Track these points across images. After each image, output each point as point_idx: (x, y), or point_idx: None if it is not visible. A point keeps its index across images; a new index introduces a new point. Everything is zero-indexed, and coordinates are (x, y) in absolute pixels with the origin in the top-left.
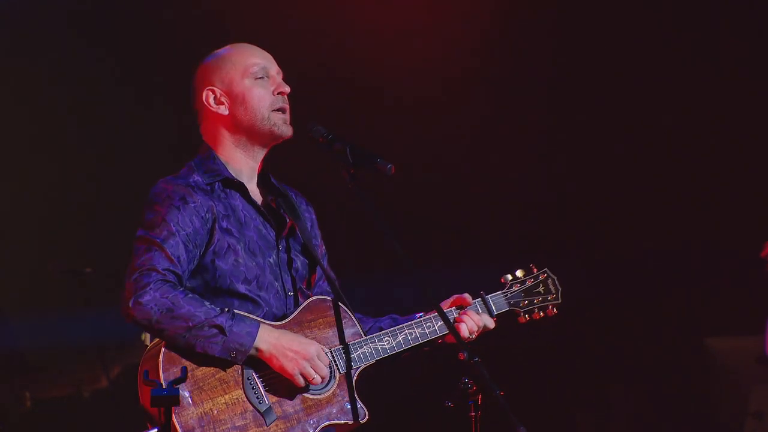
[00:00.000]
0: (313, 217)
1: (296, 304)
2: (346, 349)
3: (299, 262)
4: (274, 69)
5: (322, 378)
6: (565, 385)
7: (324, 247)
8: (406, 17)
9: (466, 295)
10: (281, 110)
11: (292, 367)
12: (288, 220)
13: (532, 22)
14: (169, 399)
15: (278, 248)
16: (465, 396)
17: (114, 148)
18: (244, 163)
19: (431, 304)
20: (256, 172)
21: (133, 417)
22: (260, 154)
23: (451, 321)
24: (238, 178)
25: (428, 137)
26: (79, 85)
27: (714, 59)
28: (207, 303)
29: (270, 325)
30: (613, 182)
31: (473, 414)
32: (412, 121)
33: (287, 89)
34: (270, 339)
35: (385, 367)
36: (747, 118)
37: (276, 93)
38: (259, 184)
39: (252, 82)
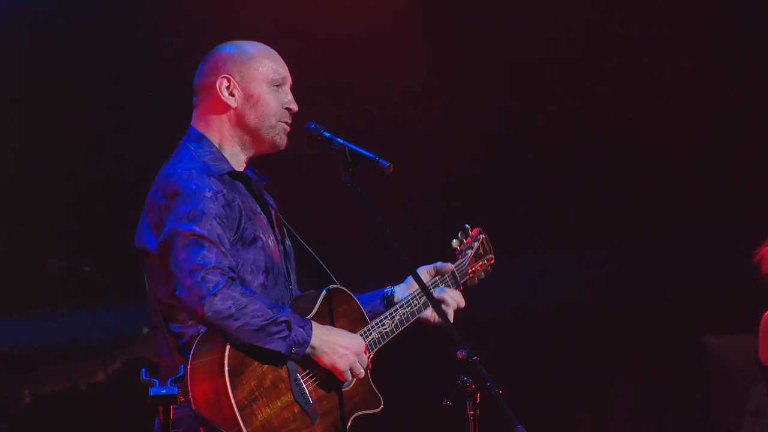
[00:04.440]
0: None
1: (292, 295)
2: (362, 338)
3: (292, 251)
4: (289, 83)
5: (365, 372)
6: (565, 385)
7: None
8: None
9: (449, 264)
10: (286, 123)
11: (343, 363)
12: (272, 209)
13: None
14: (168, 398)
15: (277, 238)
16: (463, 394)
17: (114, 145)
18: (235, 155)
19: (432, 302)
20: (244, 165)
21: (131, 413)
22: (253, 154)
23: (435, 298)
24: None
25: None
26: (78, 79)
27: (705, 59)
28: (267, 299)
29: (314, 320)
30: (614, 182)
31: (471, 412)
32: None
33: (296, 108)
34: (321, 335)
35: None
36: (748, 117)
37: (285, 107)
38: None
39: (269, 89)
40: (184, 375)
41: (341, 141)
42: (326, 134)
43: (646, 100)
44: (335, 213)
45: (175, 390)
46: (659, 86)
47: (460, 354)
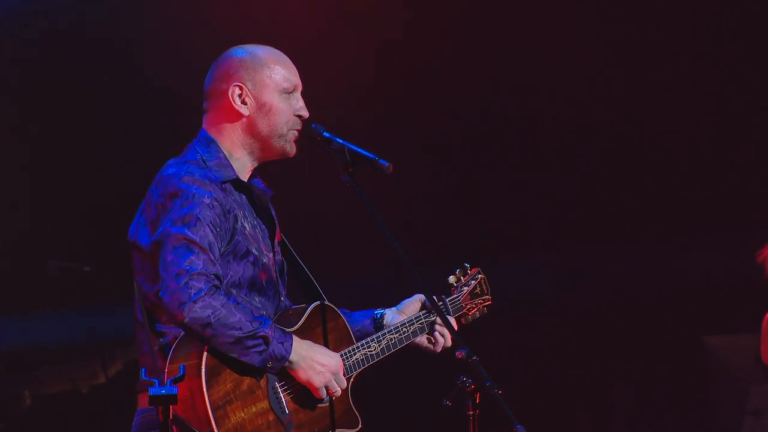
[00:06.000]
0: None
1: (281, 308)
2: (345, 357)
3: (285, 264)
4: (300, 88)
5: (342, 391)
6: (565, 385)
7: None
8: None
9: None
10: (296, 131)
11: (319, 380)
12: (275, 222)
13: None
14: (168, 398)
15: (274, 251)
16: (463, 394)
17: (114, 145)
18: (244, 163)
19: (431, 303)
20: (250, 173)
21: (131, 414)
22: (261, 161)
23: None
24: (242, 178)
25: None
26: (75, 77)
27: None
28: (250, 311)
29: (297, 335)
30: (614, 182)
31: (471, 413)
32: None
33: (307, 115)
34: (300, 351)
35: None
36: (748, 117)
37: (296, 114)
38: (250, 183)
39: (282, 97)
40: (183, 376)
41: (341, 141)
42: (326, 134)
43: (646, 100)
44: (335, 213)
45: (175, 390)
46: (659, 86)
47: (460, 354)
